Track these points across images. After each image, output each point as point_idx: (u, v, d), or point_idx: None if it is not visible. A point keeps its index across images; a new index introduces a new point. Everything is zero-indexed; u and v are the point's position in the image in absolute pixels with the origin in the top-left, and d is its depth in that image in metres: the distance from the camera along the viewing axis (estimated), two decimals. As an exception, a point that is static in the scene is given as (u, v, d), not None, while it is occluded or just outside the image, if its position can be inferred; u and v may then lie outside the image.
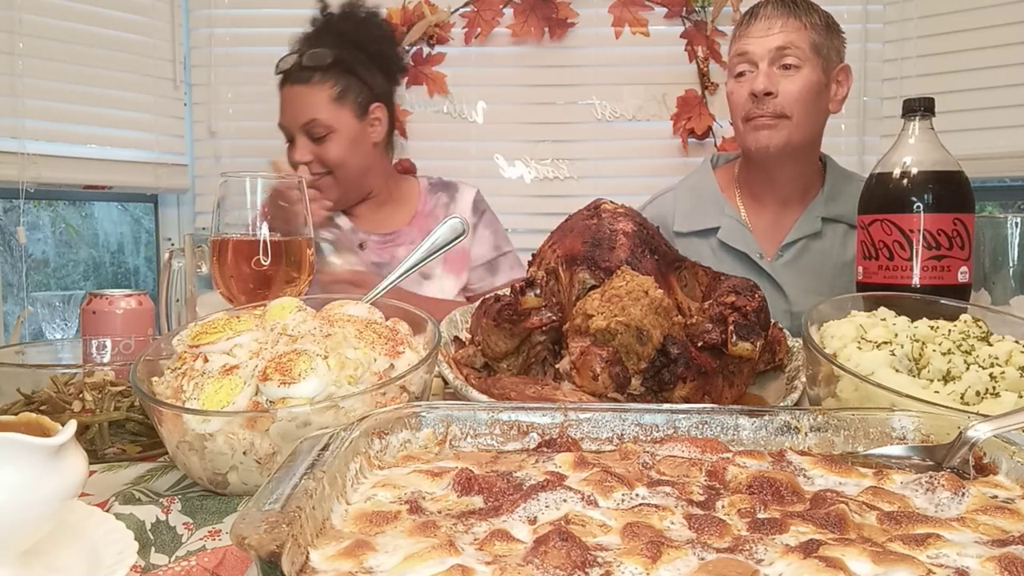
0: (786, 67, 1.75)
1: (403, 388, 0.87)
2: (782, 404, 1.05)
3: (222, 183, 1.17)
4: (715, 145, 2.90)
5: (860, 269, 1.26)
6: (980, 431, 0.68)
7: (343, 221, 2.16)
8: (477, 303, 1.13)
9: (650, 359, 0.96)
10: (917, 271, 1.19)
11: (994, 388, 0.89)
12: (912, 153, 1.23)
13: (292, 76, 2.09)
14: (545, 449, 0.73)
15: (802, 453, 0.71)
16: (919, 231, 1.19)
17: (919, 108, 1.25)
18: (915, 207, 1.20)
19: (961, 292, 1.20)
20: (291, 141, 2.11)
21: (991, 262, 1.29)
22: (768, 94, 1.76)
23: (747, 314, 1.03)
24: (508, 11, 2.97)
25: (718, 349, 1.01)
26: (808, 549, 0.51)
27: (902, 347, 0.96)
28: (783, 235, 1.89)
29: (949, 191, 1.21)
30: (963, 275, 1.20)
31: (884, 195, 1.23)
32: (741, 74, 1.81)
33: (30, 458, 0.59)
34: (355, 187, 2.15)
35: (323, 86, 2.08)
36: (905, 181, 1.22)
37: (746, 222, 1.92)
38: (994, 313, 1.09)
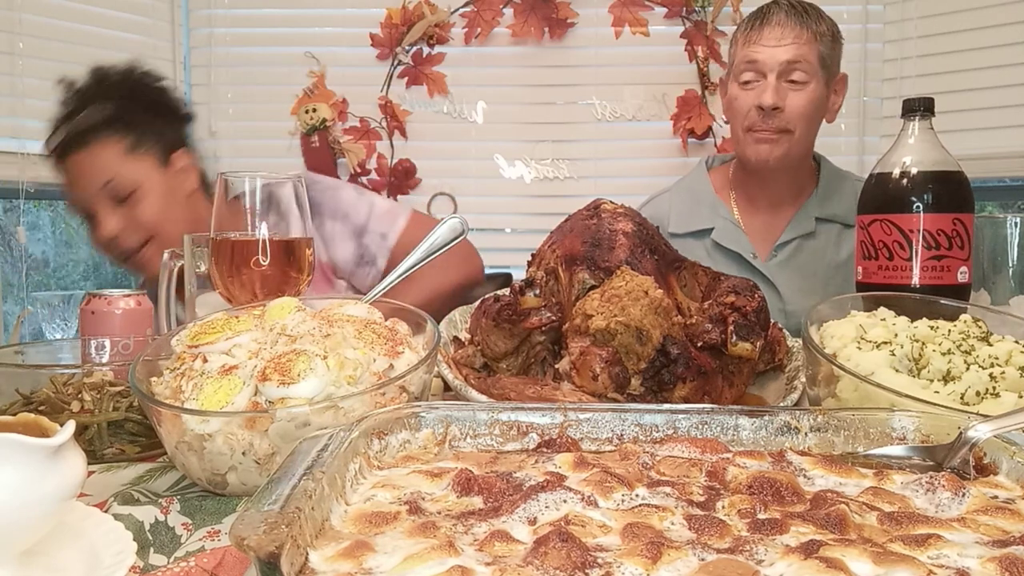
0: (794, 81, 1.73)
1: (403, 388, 0.86)
2: (782, 404, 1.04)
3: (221, 183, 1.17)
4: (715, 145, 2.90)
5: (860, 269, 1.26)
6: (980, 431, 0.68)
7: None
8: (477, 303, 1.13)
9: (650, 359, 0.95)
10: (917, 271, 1.19)
11: (994, 388, 0.89)
12: (912, 153, 1.23)
13: (68, 147, 1.79)
14: (545, 449, 0.73)
15: (802, 453, 0.71)
16: (919, 231, 1.19)
17: (919, 108, 1.24)
18: (915, 207, 1.20)
19: (961, 292, 1.20)
20: (90, 219, 1.81)
21: (991, 262, 1.29)
22: (776, 108, 1.74)
23: (747, 314, 1.03)
24: (508, 11, 2.97)
25: (718, 349, 1.01)
26: (808, 550, 0.51)
27: (902, 347, 0.96)
28: (777, 235, 1.89)
29: (949, 191, 1.21)
30: (963, 275, 1.20)
31: (884, 195, 1.23)
32: (747, 82, 1.77)
33: (29, 458, 0.59)
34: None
35: (110, 142, 1.77)
36: (905, 181, 1.21)
37: (740, 223, 1.92)
38: (994, 313, 1.08)
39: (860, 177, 1.79)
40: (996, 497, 0.62)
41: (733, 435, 0.74)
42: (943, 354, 0.94)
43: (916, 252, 1.19)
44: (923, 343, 0.96)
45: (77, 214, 1.86)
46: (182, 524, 0.74)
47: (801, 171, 1.90)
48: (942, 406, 0.81)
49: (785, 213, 1.91)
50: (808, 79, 1.73)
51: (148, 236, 1.79)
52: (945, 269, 1.19)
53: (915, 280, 1.19)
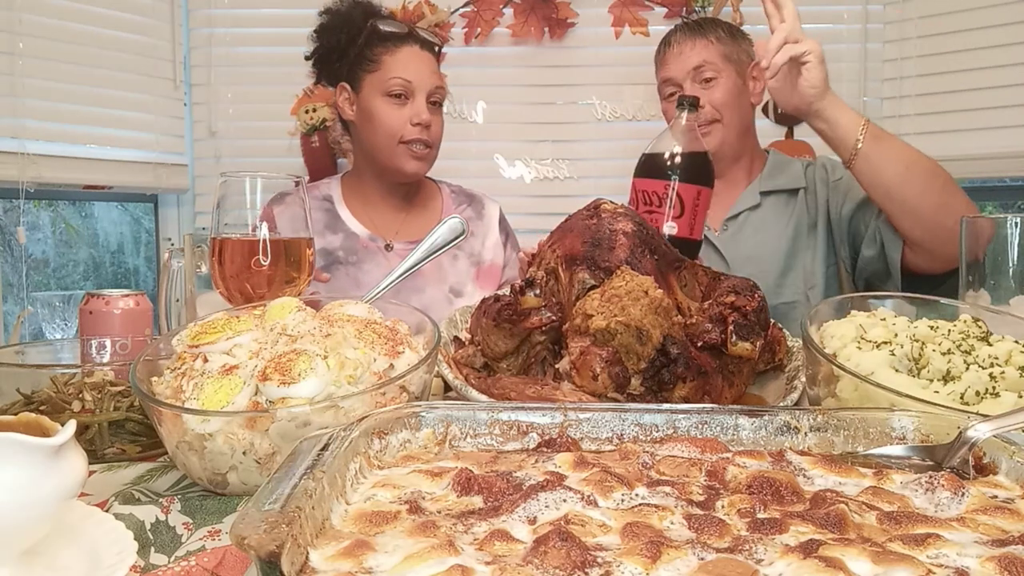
0: (706, 80, 2.02)
1: (403, 388, 0.87)
2: (782, 404, 1.04)
3: (222, 183, 1.17)
4: (715, 145, 2.91)
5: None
6: (980, 431, 0.68)
7: (357, 228, 2.03)
8: (477, 303, 1.13)
9: (650, 359, 0.95)
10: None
11: (994, 388, 0.89)
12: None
13: (414, 38, 1.98)
14: (545, 449, 0.73)
15: (802, 453, 0.71)
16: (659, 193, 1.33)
17: (686, 104, 1.40)
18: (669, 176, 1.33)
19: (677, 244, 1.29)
20: (400, 96, 1.94)
21: (991, 262, 1.29)
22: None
23: (747, 314, 1.03)
24: (508, 11, 2.97)
25: (718, 349, 1.01)
26: (808, 549, 0.51)
27: (902, 347, 0.96)
28: (726, 211, 2.12)
29: (695, 166, 1.35)
30: (670, 229, 1.34)
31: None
32: (671, 94, 2.07)
33: (30, 458, 0.59)
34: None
35: (432, 56, 2.00)
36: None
37: None
38: (994, 313, 1.08)
39: (809, 161, 2.12)
40: (995, 497, 0.62)
41: (733, 435, 0.75)
42: (943, 354, 0.94)
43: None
44: (923, 343, 0.96)
45: (402, 88, 1.98)
46: (183, 523, 0.74)
47: (754, 160, 2.13)
48: (942, 406, 0.81)
49: (736, 194, 2.14)
50: (717, 74, 2.01)
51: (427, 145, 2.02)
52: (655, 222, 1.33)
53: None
